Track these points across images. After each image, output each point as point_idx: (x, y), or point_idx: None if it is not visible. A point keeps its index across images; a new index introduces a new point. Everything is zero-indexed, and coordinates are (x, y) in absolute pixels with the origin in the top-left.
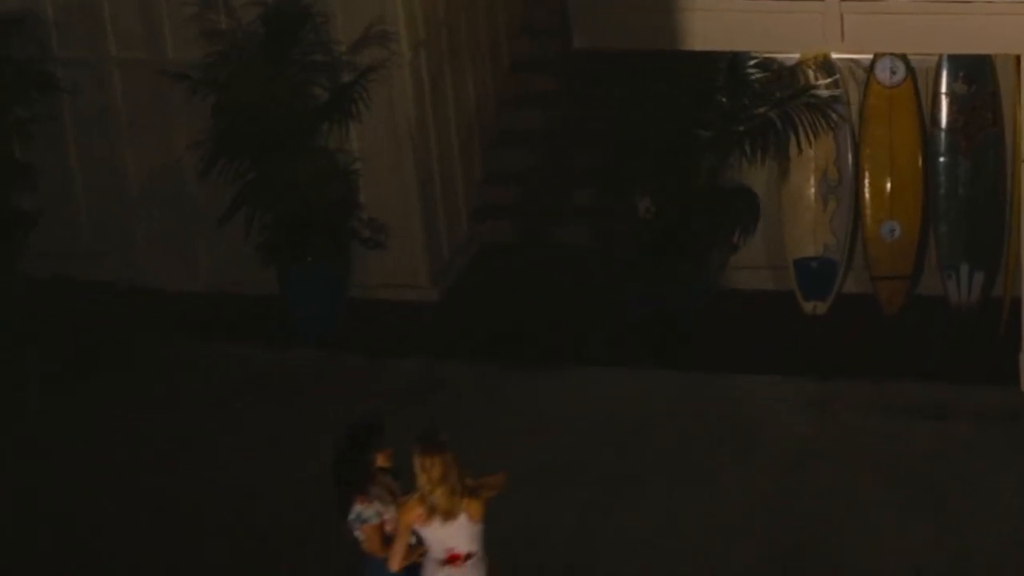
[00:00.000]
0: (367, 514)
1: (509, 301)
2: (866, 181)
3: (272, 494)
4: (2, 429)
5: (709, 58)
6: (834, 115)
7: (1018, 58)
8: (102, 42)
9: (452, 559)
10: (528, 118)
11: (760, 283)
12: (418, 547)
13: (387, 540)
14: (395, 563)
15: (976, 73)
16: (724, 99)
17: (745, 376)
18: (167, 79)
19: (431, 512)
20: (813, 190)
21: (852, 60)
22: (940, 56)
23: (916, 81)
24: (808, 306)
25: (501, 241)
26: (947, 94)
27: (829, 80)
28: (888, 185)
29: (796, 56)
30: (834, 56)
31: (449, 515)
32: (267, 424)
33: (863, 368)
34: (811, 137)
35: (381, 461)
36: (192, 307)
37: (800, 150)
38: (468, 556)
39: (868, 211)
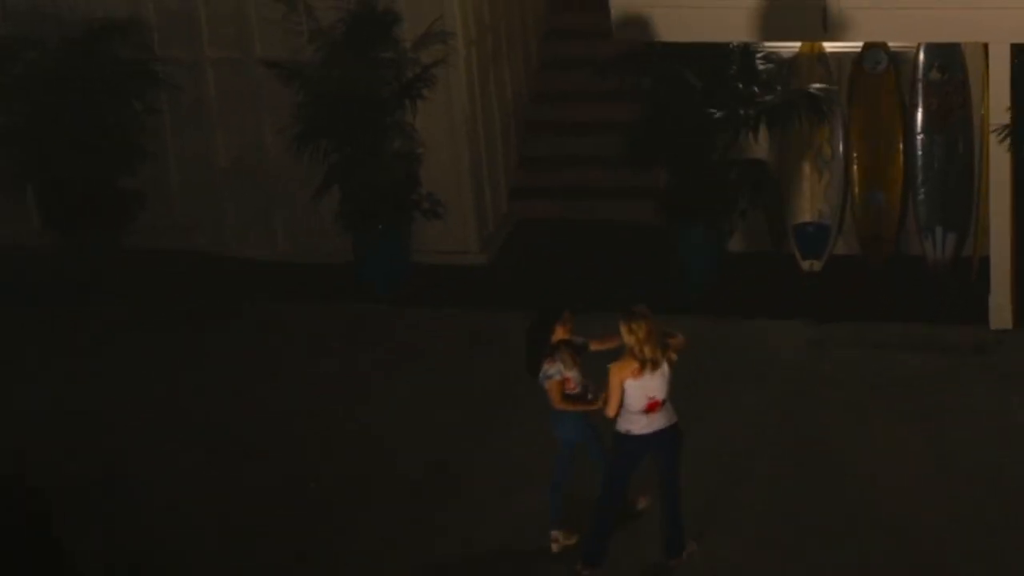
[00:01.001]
0: (550, 372)
1: (546, 265)
2: (854, 156)
3: (386, 422)
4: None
5: (724, 50)
6: (826, 105)
7: (986, 47)
8: (198, 43)
9: (651, 407)
10: (557, 109)
11: (763, 246)
12: (593, 401)
13: (566, 397)
14: (611, 410)
15: (948, 62)
16: (739, 85)
17: (753, 321)
18: (254, 75)
19: (642, 366)
20: (809, 165)
21: (842, 51)
22: (918, 47)
23: (897, 70)
24: (805, 264)
25: (535, 216)
26: (923, 81)
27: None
28: (873, 160)
29: (796, 47)
30: (827, 47)
31: (655, 366)
32: (359, 366)
33: (853, 314)
34: (808, 121)
35: (562, 334)
36: (275, 273)
37: (799, 131)
38: (663, 403)
39: (857, 182)
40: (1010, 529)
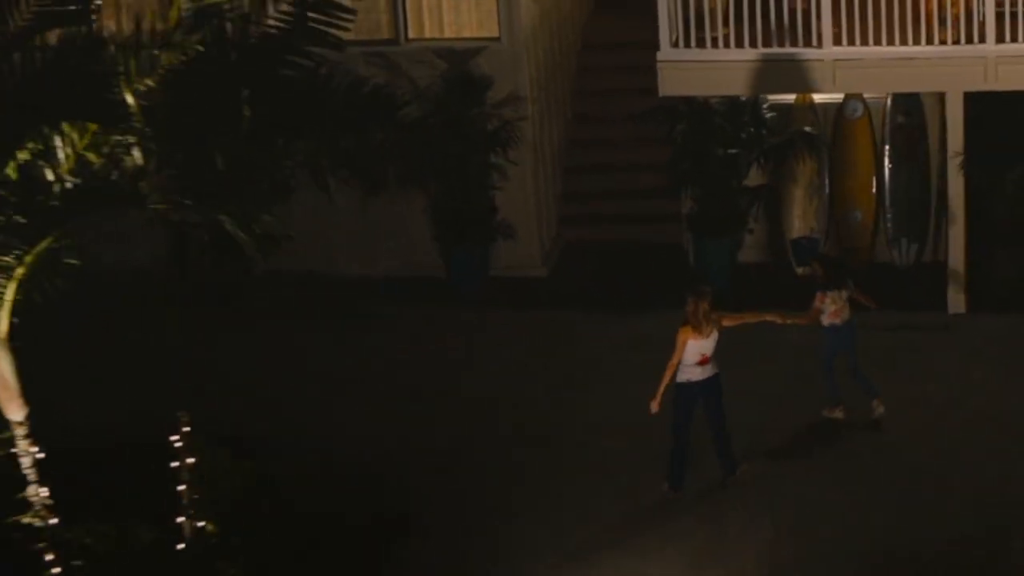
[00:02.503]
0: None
1: (592, 275)
2: (838, 184)
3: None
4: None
5: (738, 101)
6: (817, 145)
7: (943, 95)
8: None
9: (702, 361)
10: (589, 153)
11: (765, 256)
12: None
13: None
14: (675, 357)
15: (911, 109)
16: (751, 129)
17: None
18: None
19: (697, 331)
20: (802, 191)
21: (827, 101)
22: (887, 97)
23: (870, 116)
24: (800, 270)
25: (578, 239)
26: (891, 124)
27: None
28: (852, 186)
29: (792, 98)
30: (816, 98)
31: (708, 333)
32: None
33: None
34: (802, 157)
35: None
36: (379, 286)
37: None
38: (711, 358)
39: (839, 204)
40: (970, 445)
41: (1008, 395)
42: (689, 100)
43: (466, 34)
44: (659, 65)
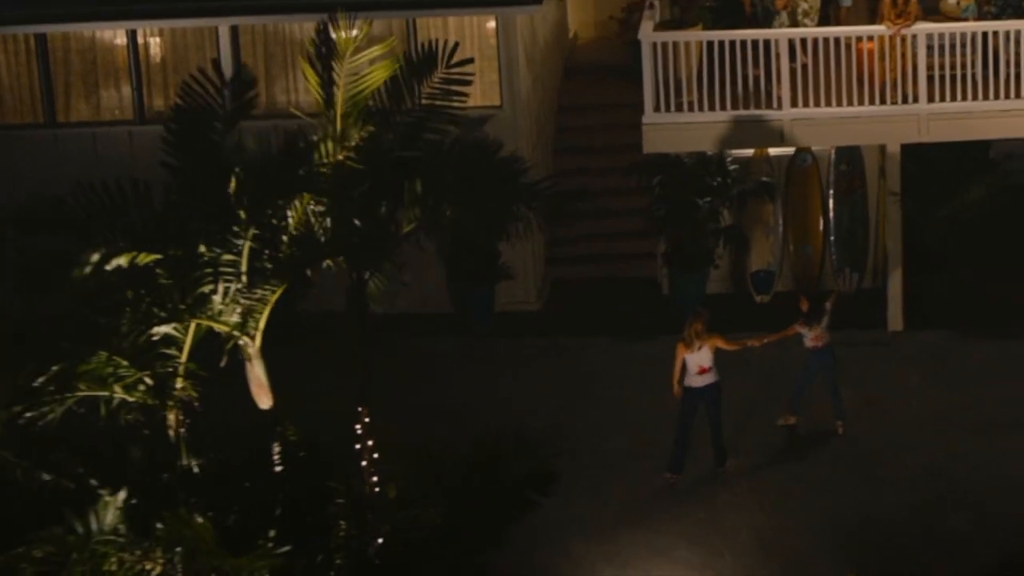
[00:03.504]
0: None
1: (579, 307)
2: (791, 223)
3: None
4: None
5: (706, 157)
6: (773, 191)
7: (882, 147)
8: None
9: (702, 371)
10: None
11: (728, 287)
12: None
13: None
14: (676, 372)
15: (852, 158)
16: (717, 180)
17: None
18: None
19: (687, 347)
20: (760, 230)
21: (781, 154)
22: (831, 149)
23: (817, 165)
24: (758, 298)
25: (564, 277)
26: (835, 172)
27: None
28: (803, 225)
29: (751, 152)
30: (771, 152)
31: (697, 348)
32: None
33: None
34: (761, 201)
35: (804, 306)
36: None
37: (754, 208)
38: (710, 369)
39: (792, 241)
40: (914, 435)
41: (942, 396)
42: (665, 155)
43: (472, 103)
44: (644, 127)
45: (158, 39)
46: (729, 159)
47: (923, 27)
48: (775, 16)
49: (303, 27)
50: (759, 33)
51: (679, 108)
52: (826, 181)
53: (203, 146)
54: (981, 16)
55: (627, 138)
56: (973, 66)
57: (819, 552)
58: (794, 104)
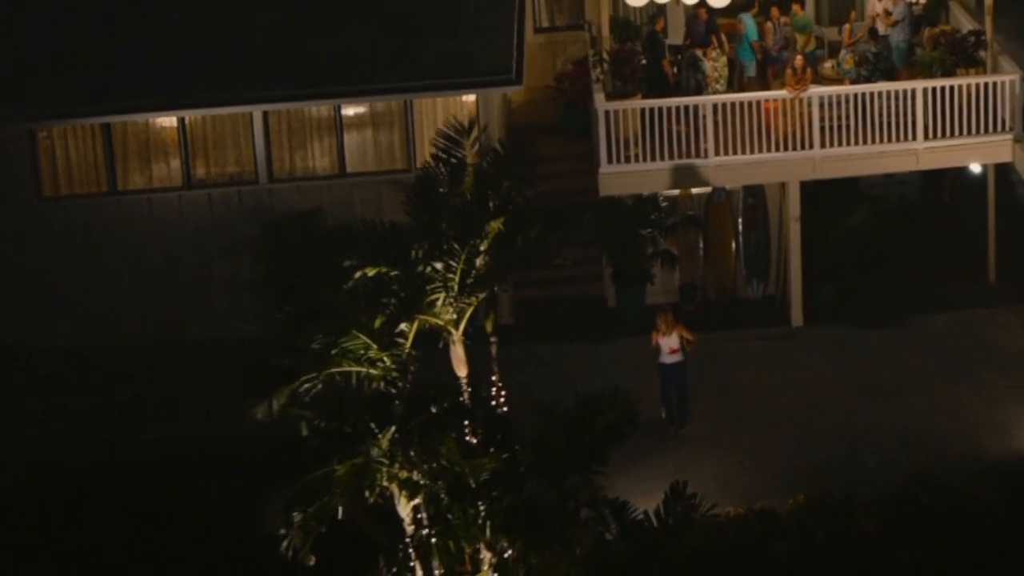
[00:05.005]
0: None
1: (544, 322)
2: (709, 246)
3: None
4: None
5: (642, 197)
6: (696, 221)
7: (783, 184)
8: None
9: (671, 351)
10: None
11: (658, 299)
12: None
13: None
14: (653, 343)
15: (756, 193)
16: (654, 215)
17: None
18: None
19: (659, 333)
20: (687, 253)
21: (702, 192)
22: (741, 187)
23: (730, 199)
24: (686, 307)
25: (527, 296)
26: (743, 204)
27: (693, 208)
28: (719, 247)
29: (677, 192)
30: (694, 191)
31: (666, 334)
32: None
33: (714, 327)
34: (688, 230)
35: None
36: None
37: (683, 236)
38: (677, 350)
39: (711, 260)
40: (822, 403)
41: (841, 373)
42: (610, 197)
43: None
44: (600, 176)
45: (202, 122)
46: (662, 198)
47: (816, 91)
48: (706, 87)
49: (318, 109)
50: (687, 100)
51: (627, 160)
52: (736, 212)
53: (436, 196)
54: (856, 78)
55: (572, 183)
56: (854, 118)
57: (768, 485)
58: (716, 153)
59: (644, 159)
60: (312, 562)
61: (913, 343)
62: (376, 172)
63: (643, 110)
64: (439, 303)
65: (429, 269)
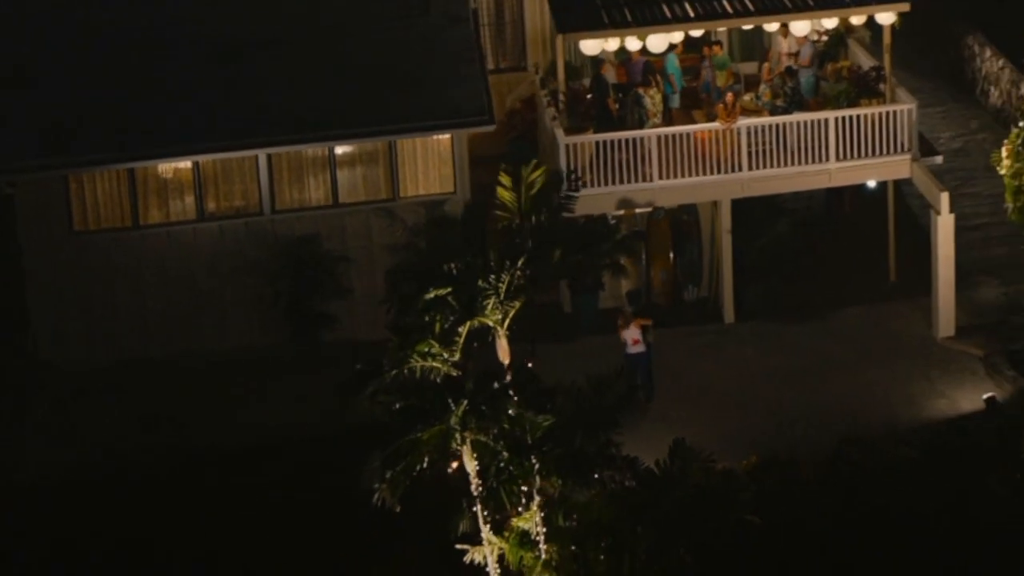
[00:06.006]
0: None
1: None
2: (651, 257)
3: None
4: None
5: (594, 217)
6: (640, 236)
7: (715, 202)
8: None
9: (635, 342)
10: None
11: (608, 304)
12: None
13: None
14: (619, 335)
15: (689, 210)
16: (604, 230)
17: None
18: None
19: (622, 327)
20: (631, 263)
21: (643, 211)
22: (679, 205)
23: (668, 217)
24: (632, 309)
25: None
26: (679, 219)
27: (633, 225)
28: (659, 257)
29: (621, 213)
30: (637, 210)
31: (627, 326)
32: None
33: (657, 326)
34: (633, 245)
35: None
36: None
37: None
38: (639, 341)
39: (653, 269)
40: (758, 385)
41: (769, 360)
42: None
43: (434, 191)
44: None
45: (212, 164)
46: (611, 217)
47: (744, 122)
48: (647, 120)
49: (315, 150)
50: (636, 133)
51: (585, 185)
52: (673, 227)
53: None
54: (774, 109)
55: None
56: (775, 144)
57: (719, 452)
58: (660, 177)
59: (598, 184)
60: (399, 509)
61: (829, 333)
62: (365, 202)
63: (597, 143)
64: (489, 307)
65: (481, 282)
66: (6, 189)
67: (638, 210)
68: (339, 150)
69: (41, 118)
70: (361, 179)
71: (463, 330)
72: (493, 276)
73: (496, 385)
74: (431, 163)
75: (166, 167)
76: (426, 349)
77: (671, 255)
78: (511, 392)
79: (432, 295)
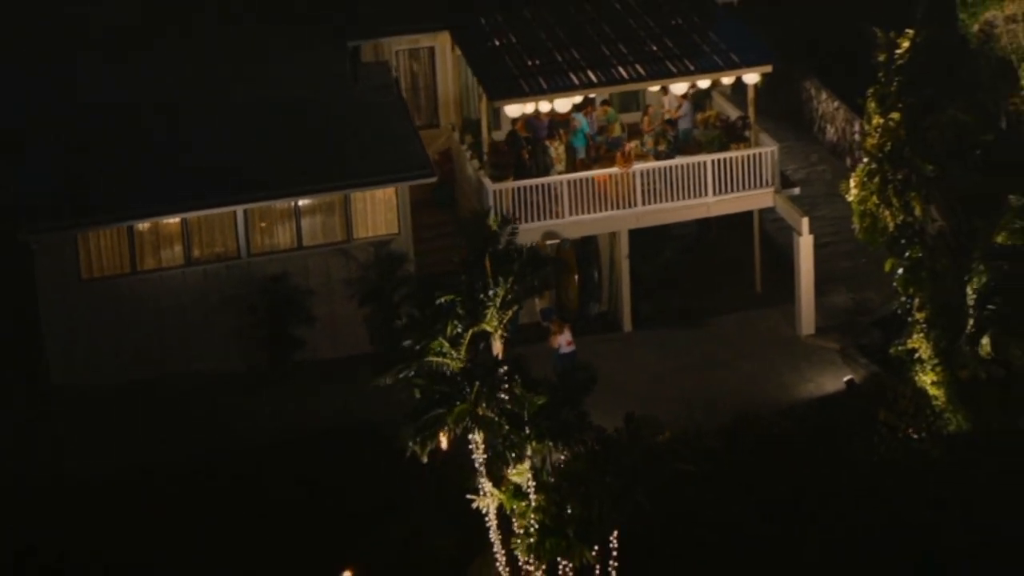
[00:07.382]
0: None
1: None
2: (560, 279)
3: None
4: None
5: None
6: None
7: (613, 233)
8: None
9: (568, 343)
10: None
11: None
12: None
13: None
14: (552, 343)
15: (590, 240)
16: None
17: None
18: None
19: (555, 334)
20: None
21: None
22: (580, 236)
23: (573, 246)
24: (545, 324)
25: None
26: (582, 249)
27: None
28: (566, 279)
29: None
30: (548, 241)
31: (559, 332)
32: None
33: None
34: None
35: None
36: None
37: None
38: (571, 343)
39: (562, 288)
40: (667, 378)
41: (663, 362)
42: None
43: (381, 232)
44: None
45: (197, 218)
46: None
47: (638, 166)
48: (552, 167)
49: (286, 203)
50: (551, 179)
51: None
52: (577, 255)
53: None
54: (657, 154)
55: (448, 243)
56: (662, 183)
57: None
58: (571, 214)
59: (521, 221)
60: (425, 460)
61: (712, 336)
62: (324, 244)
63: (516, 188)
64: (488, 316)
65: (482, 296)
66: (32, 245)
67: (548, 241)
68: (302, 202)
69: (51, 183)
70: (320, 225)
71: (468, 334)
72: (491, 291)
73: (500, 372)
74: (379, 209)
75: (158, 223)
76: (439, 348)
77: (576, 277)
78: (514, 377)
79: (442, 299)
